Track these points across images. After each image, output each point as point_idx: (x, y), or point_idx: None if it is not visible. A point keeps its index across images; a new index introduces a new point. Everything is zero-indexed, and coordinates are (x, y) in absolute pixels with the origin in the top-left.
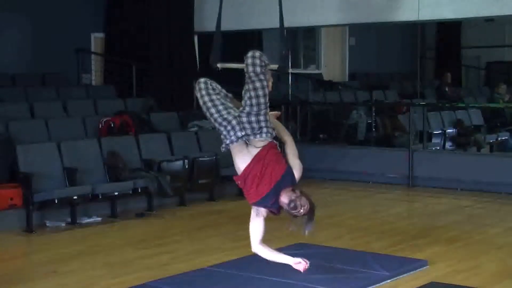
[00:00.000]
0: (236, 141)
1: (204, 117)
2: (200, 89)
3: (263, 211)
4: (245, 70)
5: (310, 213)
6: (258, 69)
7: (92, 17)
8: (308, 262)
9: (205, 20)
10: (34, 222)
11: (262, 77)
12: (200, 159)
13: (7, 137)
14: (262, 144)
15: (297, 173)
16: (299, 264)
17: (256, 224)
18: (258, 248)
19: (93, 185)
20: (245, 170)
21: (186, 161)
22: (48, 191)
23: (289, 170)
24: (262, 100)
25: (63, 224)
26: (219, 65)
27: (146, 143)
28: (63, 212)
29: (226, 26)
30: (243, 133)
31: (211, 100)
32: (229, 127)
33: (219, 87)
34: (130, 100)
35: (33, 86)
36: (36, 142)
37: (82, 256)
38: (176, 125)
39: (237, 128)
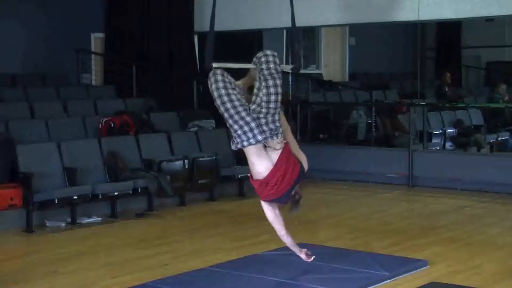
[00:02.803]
0: (255, 143)
1: (204, 117)
2: (216, 81)
3: (276, 205)
4: (264, 67)
5: (299, 200)
6: (278, 67)
7: (92, 17)
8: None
9: (205, 20)
10: (34, 222)
11: (280, 75)
12: (200, 159)
13: (7, 137)
14: (279, 146)
15: (305, 166)
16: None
17: (274, 215)
18: (286, 237)
19: (93, 185)
20: (267, 177)
21: (186, 161)
22: (48, 191)
23: (302, 169)
24: (279, 97)
25: (63, 224)
26: (214, 65)
27: (146, 143)
28: (63, 212)
29: (226, 26)
30: (264, 137)
31: (228, 94)
32: (246, 128)
33: (233, 79)
34: (130, 100)
35: (33, 86)
36: (36, 142)
37: (82, 256)
38: (176, 125)
39: (256, 131)
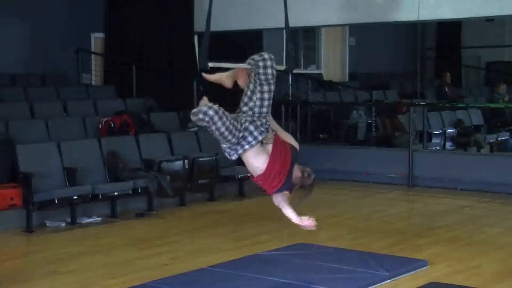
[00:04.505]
0: (256, 144)
1: None
2: (215, 122)
3: (286, 193)
4: (261, 71)
5: (313, 183)
6: (275, 71)
7: (92, 17)
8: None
9: (205, 20)
10: (34, 222)
11: (275, 80)
12: (200, 159)
13: (7, 137)
14: (272, 139)
15: (295, 144)
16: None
17: (289, 208)
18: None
19: (93, 185)
20: (266, 170)
21: (186, 161)
22: (48, 191)
23: (292, 148)
24: (271, 101)
25: (63, 224)
26: (210, 64)
27: (146, 143)
28: (63, 212)
29: (226, 26)
30: (263, 136)
31: (227, 128)
32: (246, 133)
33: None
34: (130, 100)
35: (33, 86)
36: (36, 142)
37: (82, 256)
38: (176, 125)
39: (256, 133)
